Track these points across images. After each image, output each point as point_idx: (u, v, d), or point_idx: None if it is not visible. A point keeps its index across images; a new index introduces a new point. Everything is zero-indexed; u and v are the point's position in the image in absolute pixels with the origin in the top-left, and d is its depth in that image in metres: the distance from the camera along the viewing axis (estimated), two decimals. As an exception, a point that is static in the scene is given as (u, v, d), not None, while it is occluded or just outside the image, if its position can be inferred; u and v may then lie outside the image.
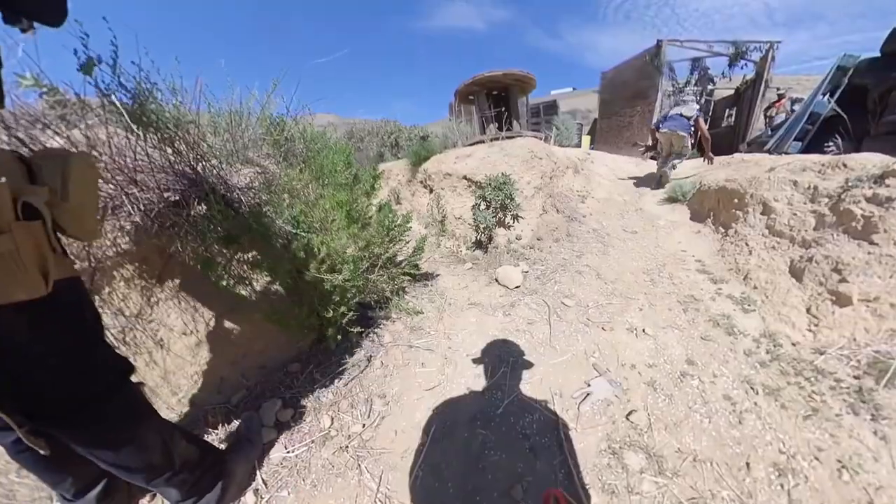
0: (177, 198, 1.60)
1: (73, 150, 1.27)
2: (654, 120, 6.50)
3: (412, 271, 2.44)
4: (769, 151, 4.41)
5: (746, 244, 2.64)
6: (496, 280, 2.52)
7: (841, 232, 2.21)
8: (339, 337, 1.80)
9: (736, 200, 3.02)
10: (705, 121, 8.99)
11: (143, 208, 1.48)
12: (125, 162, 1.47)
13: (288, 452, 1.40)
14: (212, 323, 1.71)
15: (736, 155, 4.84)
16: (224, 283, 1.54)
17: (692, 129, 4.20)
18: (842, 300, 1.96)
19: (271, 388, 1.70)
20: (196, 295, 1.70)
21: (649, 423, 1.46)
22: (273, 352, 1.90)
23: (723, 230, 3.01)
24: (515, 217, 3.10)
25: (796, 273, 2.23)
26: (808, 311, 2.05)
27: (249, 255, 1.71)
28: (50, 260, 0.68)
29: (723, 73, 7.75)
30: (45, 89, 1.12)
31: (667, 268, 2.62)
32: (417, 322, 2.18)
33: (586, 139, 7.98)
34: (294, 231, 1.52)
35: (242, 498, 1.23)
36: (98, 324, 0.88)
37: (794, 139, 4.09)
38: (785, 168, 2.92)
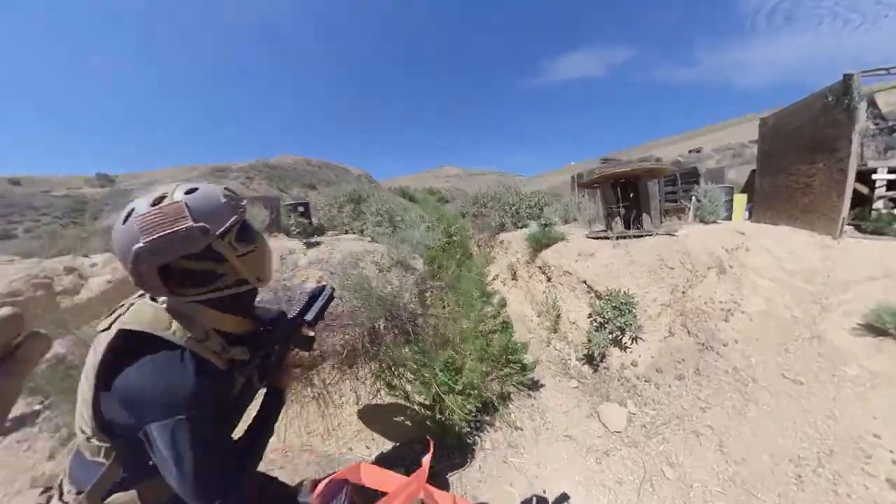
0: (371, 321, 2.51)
1: None
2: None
3: (519, 386, 2.78)
4: None
5: None
6: (597, 414, 2.59)
7: None
8: (456, 438, 2.33)
9: None
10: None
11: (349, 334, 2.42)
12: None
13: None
14: (369, 399, 2.53)
15: None
16: (389, 391, 2.27)
17: None
18: None
19: (401, 455, 2.31)
20: (360, 378, 2.55)
21: None
22: (406, 431, 2.57)
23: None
24: (634, 338, 3.02)
25: None
26: None
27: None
28: None
29: None
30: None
31: (834, 460, 2.12)
32: (515, 438, 2.49)
33: (739, 201, 6.13)
34: (443, 377, 2.12)
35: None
36: None
37: None
38: None
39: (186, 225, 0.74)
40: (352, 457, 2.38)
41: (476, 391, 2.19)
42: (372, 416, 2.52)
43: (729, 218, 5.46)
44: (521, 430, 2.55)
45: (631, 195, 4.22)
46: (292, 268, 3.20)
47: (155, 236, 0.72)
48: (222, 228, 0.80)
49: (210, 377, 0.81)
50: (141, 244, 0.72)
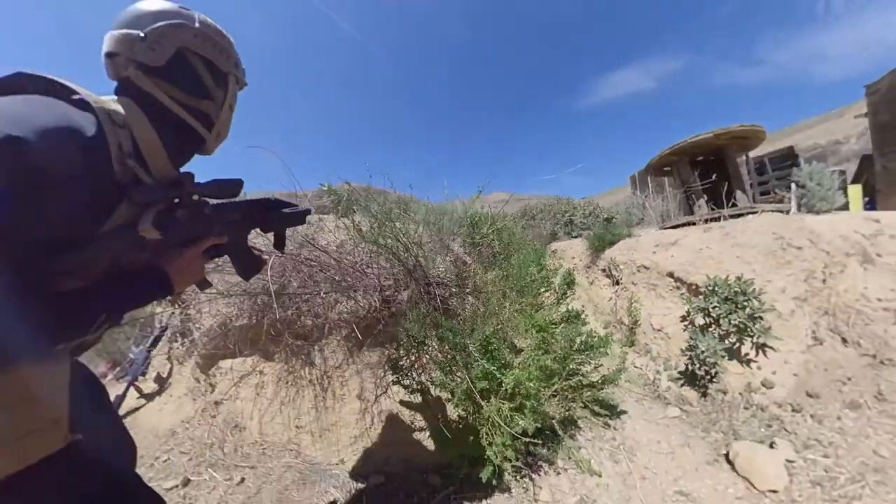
0: (390, 289, 1.91)
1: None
2: None
3: (595, 407, 1.96)
4: None
5: None
6: (728, 460, 1.66)
7: None
8: (492, 473, 1.54)
9: None
10: None
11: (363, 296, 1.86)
12: (358, 259, 1.89)
13: None
14: (380, 399, 1.91)
15: None
16: (404, 385, 1.62)
17: None
18: None
19: (408, 487, 1.65)
20: (372, 366, 1.98)
21: None
22: (421, 451, 1.86)
23: None
24: (761, 348, 2.09)
25: None
26: None
27: (431, 361, 1.75)
28: None
29: None
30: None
31: None
32: (591, 487, 1.64)
33: (855, 192, 4.85)
34: (482, 361, 1.42)
35: None
36: None
37: None
38: None
39: (228, 37, 0.74)
40: (340, 472, 1.75)
41: (534, 402, 1.43)
42: (379, 421, 1.90)
43: (845, 208, 4.24)
44: (600, 475, 1.69)
45: (714, 176, 3.37)
46: (315, 232, 2.25)
47: (212, 22, 0.70)
48: (239, 68, 0.79)
49: (88, 142, 0.51)
50: (200, 19, 0.67)
